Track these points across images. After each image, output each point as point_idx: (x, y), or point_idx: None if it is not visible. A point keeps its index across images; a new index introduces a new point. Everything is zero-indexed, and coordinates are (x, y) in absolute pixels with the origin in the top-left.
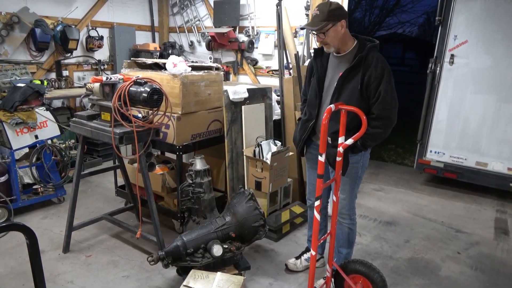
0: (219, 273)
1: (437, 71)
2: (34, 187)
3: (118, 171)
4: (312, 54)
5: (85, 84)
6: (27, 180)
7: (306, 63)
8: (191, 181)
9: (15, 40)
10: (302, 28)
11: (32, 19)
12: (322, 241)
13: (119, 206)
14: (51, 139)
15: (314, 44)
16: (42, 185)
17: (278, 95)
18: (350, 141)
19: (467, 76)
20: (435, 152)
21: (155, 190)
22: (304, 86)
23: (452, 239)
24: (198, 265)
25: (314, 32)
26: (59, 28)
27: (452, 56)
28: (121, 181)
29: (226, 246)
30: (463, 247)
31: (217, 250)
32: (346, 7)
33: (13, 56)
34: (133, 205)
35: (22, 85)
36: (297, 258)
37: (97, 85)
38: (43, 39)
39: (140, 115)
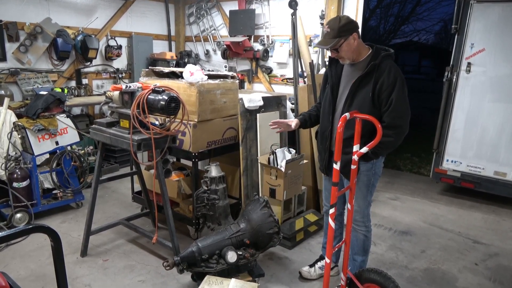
0: (233, 279)
1: (454, 80)
2: (54, 192)
3: (135, 177)
4: (327, 63)
5: (104, 92)
6: (47, 185)
7: (321, 72)
8: (206, 188)
9: (38, 50)
10: (315, 47)
11: (54, 29)
12: (336, 249)
13: (136, 212)
14: (71, 145)
15: (329, 52)
16: (61, 190)
17: (292, 103)
18: (365, 149)
19: (485, 84)
20: (452, 161)
21: (171, 196)
22: (320, 93)
23: (470, 250)
24: (212, 271)
25: (327, 49)
26: (79, 37)
27: (469, 64)
28: (137, 187)
29: (241, 253)
30: (481, 258)
31: (232, 256)
32: (360, 16)
33: (35, 65)
34: (149, 210)
35: (44, 93)
36: (311, 266)
37: (116, 93)
38: (64, 48)
39: (157, 123)
